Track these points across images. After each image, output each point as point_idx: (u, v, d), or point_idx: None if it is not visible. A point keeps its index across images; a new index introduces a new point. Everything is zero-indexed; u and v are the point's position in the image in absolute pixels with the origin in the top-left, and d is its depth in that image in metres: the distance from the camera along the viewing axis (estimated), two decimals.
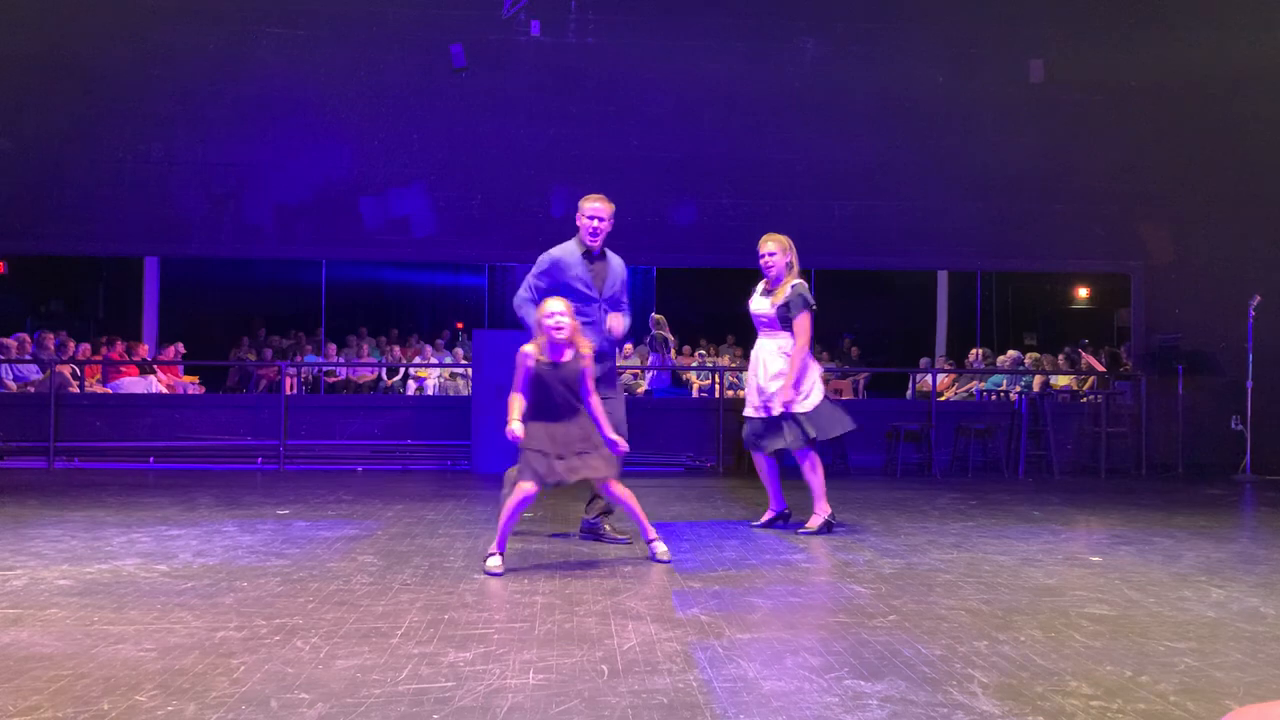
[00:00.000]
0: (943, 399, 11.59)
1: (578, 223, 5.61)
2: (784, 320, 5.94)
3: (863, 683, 3.07)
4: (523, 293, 5.63)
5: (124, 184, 10.70)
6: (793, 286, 5.93)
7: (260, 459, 9.99)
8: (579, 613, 3.91)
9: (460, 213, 10.99)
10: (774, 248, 6.03)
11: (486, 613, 3.90)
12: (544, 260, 5.61)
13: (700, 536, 5.92)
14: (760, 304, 6.05)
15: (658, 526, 6.20)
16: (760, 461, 6.21)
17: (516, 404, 4.74)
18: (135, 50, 10.55)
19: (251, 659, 3.23)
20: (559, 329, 4.75)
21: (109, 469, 9.52)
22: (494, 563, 4.70)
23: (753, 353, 6.13)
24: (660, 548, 5.05)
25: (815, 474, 5.99)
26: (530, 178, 10.91)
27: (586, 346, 4.90)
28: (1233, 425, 10.44)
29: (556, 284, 5.52)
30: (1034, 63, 10.97)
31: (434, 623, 3.72)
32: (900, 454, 10.00)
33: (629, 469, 9.72)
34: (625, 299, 5.76)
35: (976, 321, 12.60)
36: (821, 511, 5.99)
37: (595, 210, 5.55)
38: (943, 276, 14.57)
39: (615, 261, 5.74)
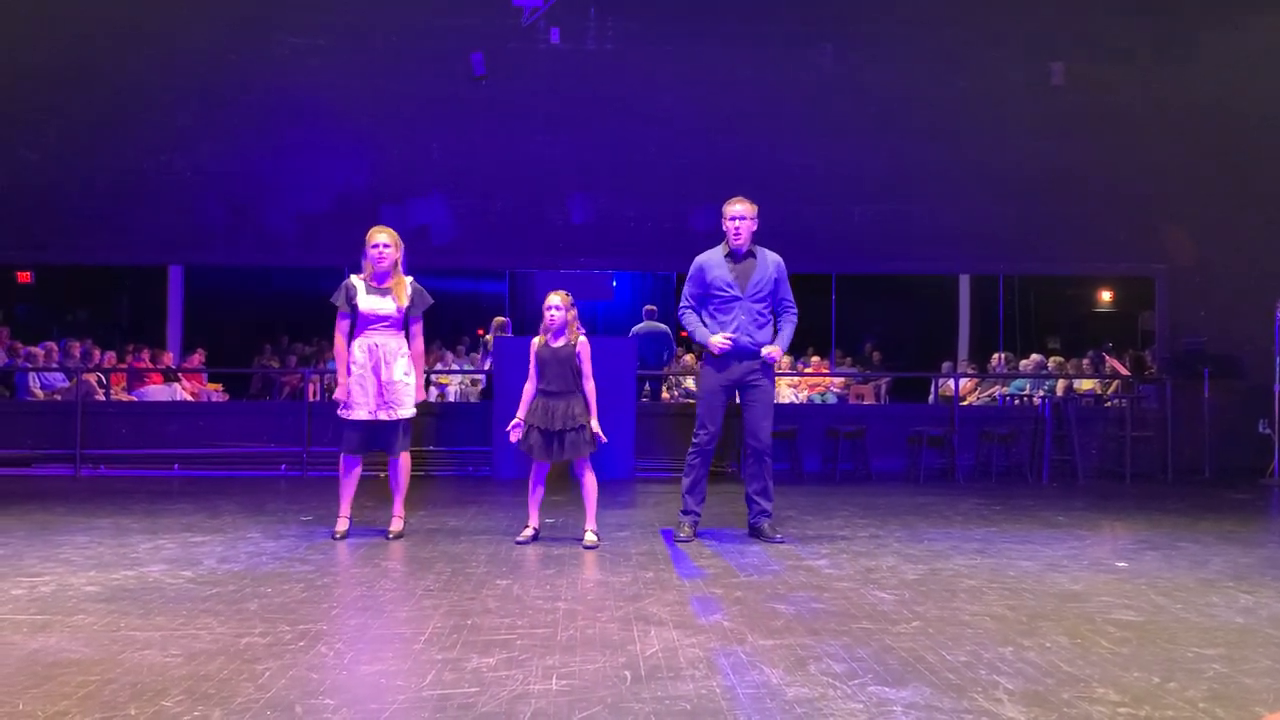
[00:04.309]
0: (965, 403, 11.52)
1: (724, 227, 5.85)
2: (406, 321, 5.83)
3: (887, 689, 3.05)
4: (681, 303, 6.01)
5: (147, 194, 10.81)
6: (412, 284, 5.82)
7: (284, 465, 10.04)
8: (601, 618, 3.91)
9: (480, 220, 11.03)
10: (388, 240, 5.77)
11: (509, 618, 3.90)
12: (692, 266, 5.92)
13: (722, 542, 5.90)
14: (380, 304, 5.76)
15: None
16: (357, 468, 5.85)
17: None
18: (157, 62, 10.65)
19: (276, 665, 3.25)
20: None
21: (134, 476, 9.60)
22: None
23: (362, 354, 5.73)
24: (590, 538, 5.65)
25: (406, 477, 5.94)
26: (550, 184, 10.94)
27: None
28: (1260, 429, 10.33)
29: (703, 287, 5.86)
30: (1055, 65, 10.91)
31: (457, 628, 3.73)
32: (923, 459, 9.94)
33: (656, 474, 9.79)
34: (785, 296, 5.92)
35: (999, 325, 12.53)
36: (402, 514, 5.96)
37: (737, 212, 5.80)
38: (965, 280, 14.49)
39: (767, 259, 5.87)
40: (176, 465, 9.98)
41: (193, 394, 11.58)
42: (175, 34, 10.64)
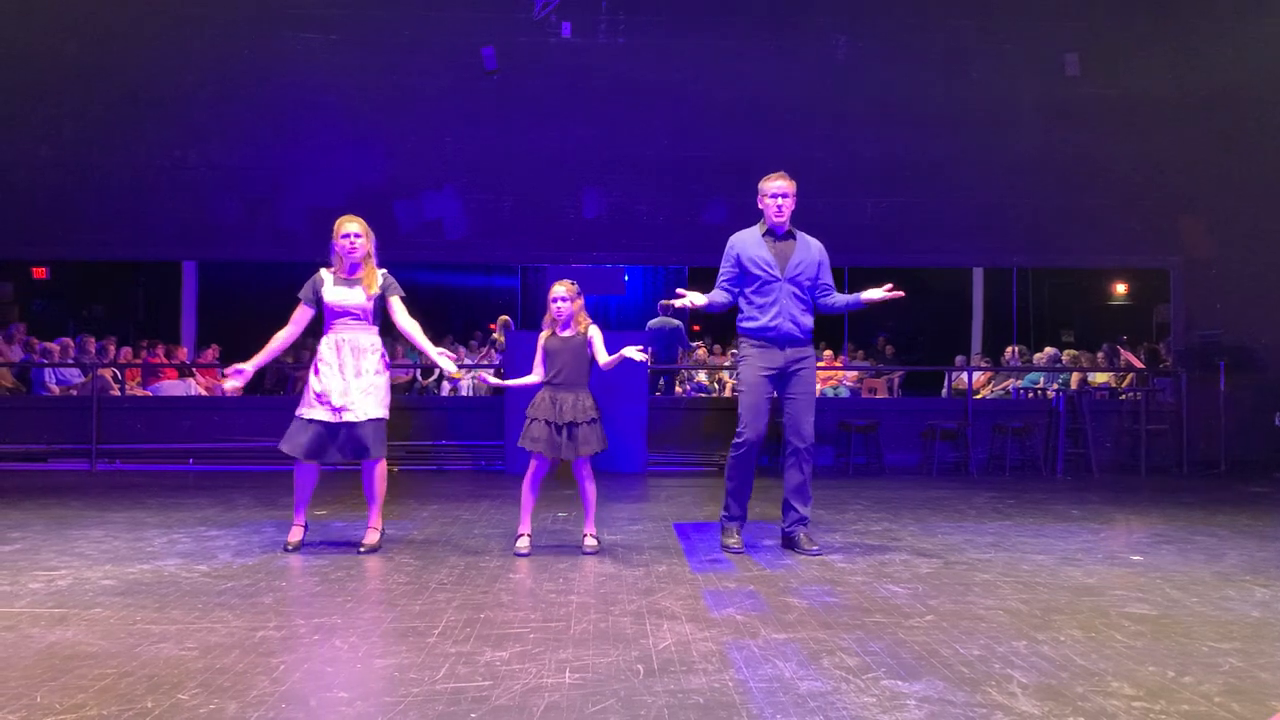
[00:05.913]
0: (979, 397, 11.48)
1: (760, 205, 5.47)
2: (379, 313, 5.40)
3: (900, 683, 3.05)
4: (717, 283, 5.54)
5: (161, 189, 10.85)
6: (384, 274, 5.40)
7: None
8: (614, 612, 3.91)
9: (492, 214, 11.04)
10: (359, 229, 5.36)
11: (522, 612, 3.91)
12: (727, 246, 5.52)
13: None
14: (348, 295, 5.31)
15: (693, 526, 6.23)
16: (312, 475, 5.33)
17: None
18: (171, 57, 10.70)
19: (291, 658, 3.27)
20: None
21: (149, 471, 9.65)
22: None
23: (329, 350, 5.27)
24: (590, 542, 5.33)
25: (383, 485, 5.41)
26: (562, 179, 10.94)
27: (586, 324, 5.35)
28: (1276, 421, 10.24)
29: (739, 268, 5.42)
30: (1069, 56, 10.85)
31: (470, 622, 3.74)
32: (936, 452, 9.92)
33: (668, 469, 9.80)
34: (828, 282, 5.52)
35: (1013, 318, 12.48)
36: (379, 526, 5.43)
37: (779, 189, 5.40)
38: (978, 273, 14.44)
39: (809, 243, 5.50)
40: (191, 460, 10.03)
41: (207, 389, 11.63)
42: (188, 30, 10.68)
